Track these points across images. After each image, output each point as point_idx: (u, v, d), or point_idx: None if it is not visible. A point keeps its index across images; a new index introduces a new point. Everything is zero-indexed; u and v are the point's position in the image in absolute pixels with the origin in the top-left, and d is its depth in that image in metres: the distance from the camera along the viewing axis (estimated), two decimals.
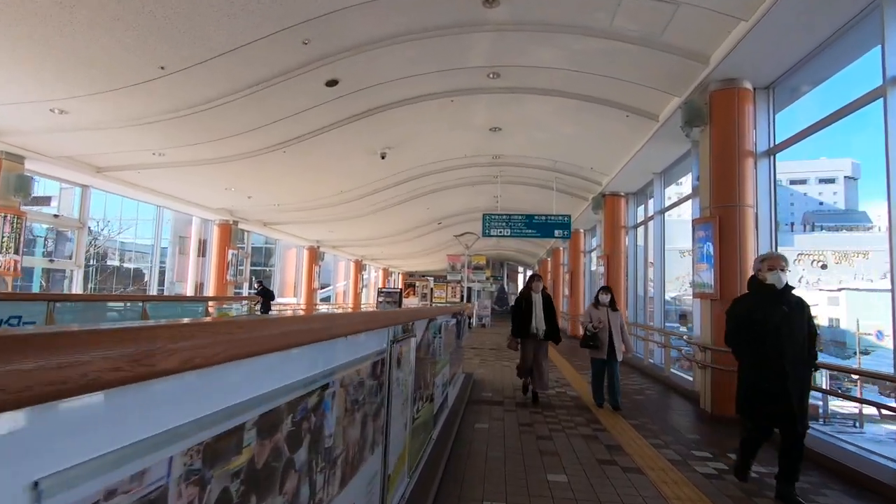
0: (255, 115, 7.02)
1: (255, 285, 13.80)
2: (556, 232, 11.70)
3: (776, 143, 5.83)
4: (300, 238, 17.59)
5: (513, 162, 11.29)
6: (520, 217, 11.87)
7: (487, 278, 24.54)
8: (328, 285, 25.31)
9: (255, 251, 28.04)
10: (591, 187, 11.98)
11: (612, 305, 5.84)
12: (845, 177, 78.18)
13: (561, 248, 22.28)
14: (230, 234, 13.09)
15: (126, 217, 27.45)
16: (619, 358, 5.66)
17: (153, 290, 18.56)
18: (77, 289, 10.05)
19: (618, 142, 8.86)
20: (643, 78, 6.52)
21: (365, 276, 28.71)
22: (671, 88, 6.51)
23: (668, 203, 9.83)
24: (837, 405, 11.28)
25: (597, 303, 5.91)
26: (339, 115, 7.64)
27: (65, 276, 11.07)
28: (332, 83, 6.52)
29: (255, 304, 13.69)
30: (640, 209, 11.68)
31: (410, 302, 15.54)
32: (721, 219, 5.60)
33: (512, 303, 40.83)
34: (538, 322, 6.01)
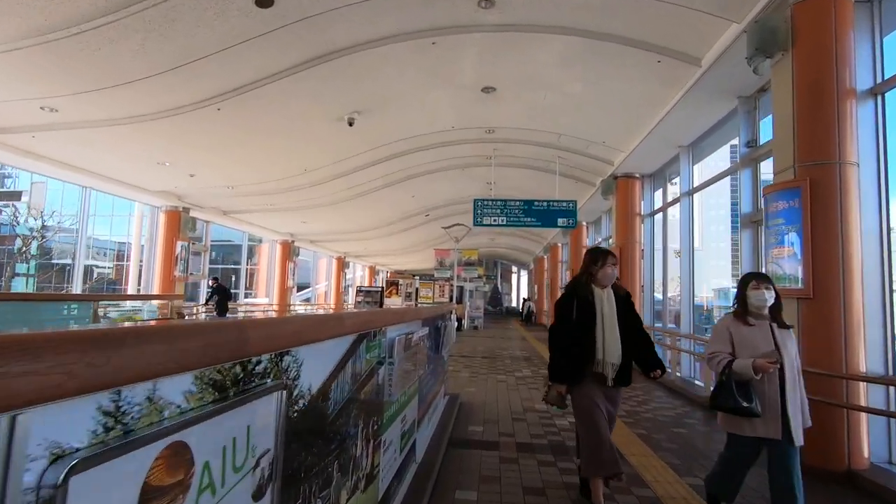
0: (164, 46, 5.21)
1: (210, 283, 11.99)
2: (560, 220, 9.98)
3: (885, 77, 4.15)
4: (270, 230, 15.73)
5: (509, 137, 9.56)
6: (517, 203, 10.14)
7: (480, 276, 22.80)
8: (308, 285, 23.47)
9: (234, 249, 26.11)
10: (600, 168, 10.27)
11: (778, 316, 2.67)
12: None
13: (559, 245, 20.63)
14: (179, 222, 11.25)
15: (101, 212, 25.51)
16: (799, 440, 2.47)
17: (125, 289, 16.62)
18: None
19: (641, 102, 7.15)
20: None
21: (349, 275, 26.88)
22: (727, 10, 4.80)
23: (697, 182, 8.15)
24: None
25: (745, 310, 2.67)
26: (283, 59, 5.86)
27: None
28: (264, 2, 4.74)
29: (207, 305, 11.87)
30: (658, 194, 10.01)
31: (393, 302, 13.76)
32: (813, 182, 3.89)
33: (507, 303, 39.39)
34: (610, 348, 2.90)
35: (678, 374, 7.44)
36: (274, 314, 15.96)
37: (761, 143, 5.88)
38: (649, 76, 6.35)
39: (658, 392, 6.92)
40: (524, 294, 37.62)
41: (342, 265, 23.05)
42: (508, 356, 10.48)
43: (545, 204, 10.07)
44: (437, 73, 6.75)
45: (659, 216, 9.89)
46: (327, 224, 15.52)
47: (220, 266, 29.55)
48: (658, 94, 6.76)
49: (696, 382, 7.27)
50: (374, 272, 29.39)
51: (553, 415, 5.28)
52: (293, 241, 17.03)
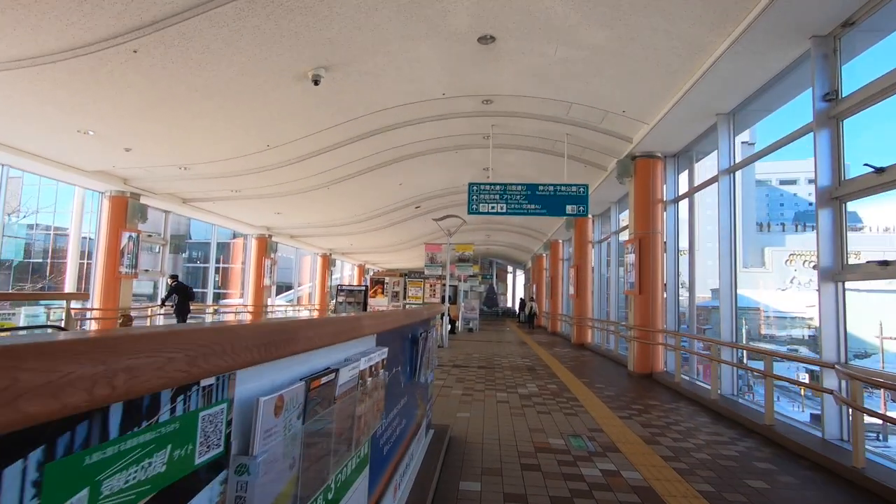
0: None
1: (168, 281, 10.48)
2: (569, 207, 8.56)
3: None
4: (243, 223, 14.20)
5: (510, 109, 8.13)
6: (519, 187, 8.71)
7: (475, 274, 21.37)
8: (291, 286, 21.91)
9: (220, 247, 24.50)
10: (615, 147, 8.86)
11: None
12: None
13: (560, 242, 19.24)
14: (126, 210, 9.73)
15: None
16: None
17: (70, 287, 14.97)
18: None
19: (676, 55, 5.73)
20: None
21: (335, 274, 25.38)
22: None
23: (737, 158, 6.75)
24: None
25: None
26: None
27: None
28: None
29: (164, 306, 10.36)
30: (683, 177, 8.62)
31: (378, 302, 12.29)
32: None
33: (503, 304, 37.93)
34: None
35: (719, 391, 6.03)
36: (248, 317, 14.43)
37: (845, 95, 4.48)
38: (691, 16, 4.94)
39: (701, 416, 5.50)
40: (520, 294, 36.29)
41: (328, 263, 21.53)
42: (509, 365, 9.04)
43: (551, 188, 8.64)
44: (422, 9, 5.28)
45: (684, 203, 8.50)
46: (305, 216, 14.02)
47: (200, 265, 27.92)
48: (701, 41, 5.34)
49: (744, 402, 5.88)
50: (363, 271, 27.88)
51: (576, 455, 3.84)
52: (270, 236, 15.51)
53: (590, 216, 14.17)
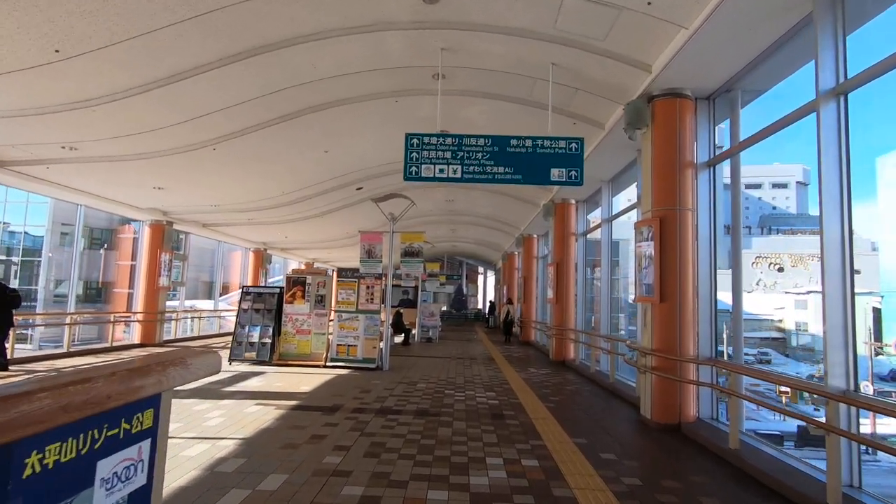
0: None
1: None
2: (556, 172, 5.70)
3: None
4: (118, 203, 10.73)
5: (467, 14, 5.20)
6: (481, 141, 5.81)
7: (434, 274, 18.43)
8: (212, 287, 18.39)
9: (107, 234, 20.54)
10: (622, 85, 6.04)
11: None
12: (797, 182, 79.19)
13: (535, 237, 16.54)
14: None
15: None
16: None
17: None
18: None
19: None
20: None
21: (278, 275, 21.99)
22: None
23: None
24: None
25: None
26: None
27: None
28: None
29: None
30: (723, 129, 5.91)
31: (298, 309, 9.16)
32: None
33: (473, 306, 33.28)
34: None
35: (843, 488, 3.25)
36: (138, 326, 11.01)
37: None
38: None
39: None
40: (490, 296, 33.56)
41: (261, 260, 18.15)
42: (464, 407, 6.08)
43: (530, 144, 5.76)
44: None
45: (723, 169, 5.78)
46: (201, 193, 10.71)
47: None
48: None
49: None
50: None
51: None
52: (170, 223, 12.09)
53: (573, 202, 11.47)
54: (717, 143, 5.95)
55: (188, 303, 24.20)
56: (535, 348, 14.74)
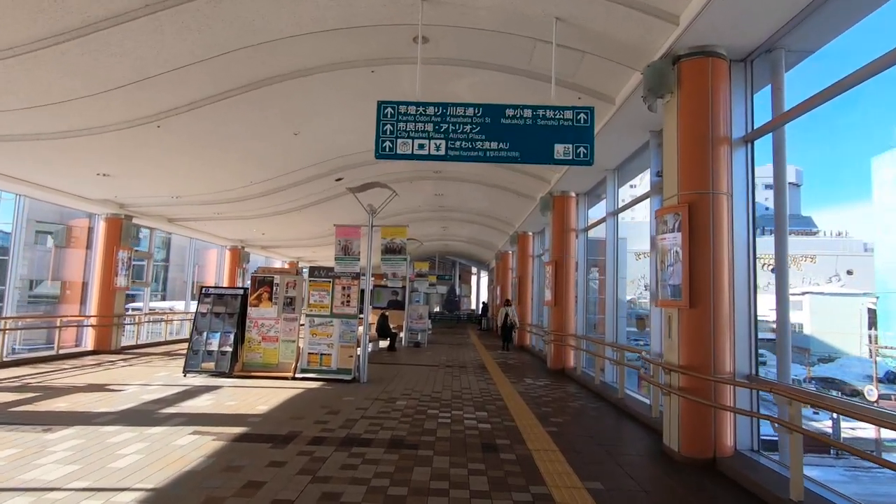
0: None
1: None
2: (560, 148, 4.65)
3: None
4: (64, 193, 9.53)
5: None
6: (470, 111, 4.75)
7: (423, 273, 17.39)
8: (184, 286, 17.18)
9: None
10: (640, 43, 5.00)
11: None
12: (789, 183, 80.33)
13: (530, 235, 15.54)
14: None
15: None
16: None
17: None
18: None
19: None
20: None
21: (249, 273, 20.74)
22: None
23: None
24: None
25: None
26: None
27: None
28: None
29: None
30: (764, 93, 4.90)
31: (264, 312, 8.06)
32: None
33: (466, 306, 31.10)
34: None
35: None
36: (92, 332, 9.82)
37: None
38: None
39: None
40: (484, 297, 32.54)
41: (238, 259, 16.98)
42: (450, 435, 5.02)
43: (529, 114, 4.71)
44: None
45: (763, 144, 4.77)
46: (151, 182, 9.55)
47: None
48: None
49: None
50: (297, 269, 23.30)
51: None
52: (126, 217, 10.91)
53: (573, 195, 10.45)
54: (751, 115, 4.95)
55: (166, 304, 22.92)
56: (531, 354, 13.73)
